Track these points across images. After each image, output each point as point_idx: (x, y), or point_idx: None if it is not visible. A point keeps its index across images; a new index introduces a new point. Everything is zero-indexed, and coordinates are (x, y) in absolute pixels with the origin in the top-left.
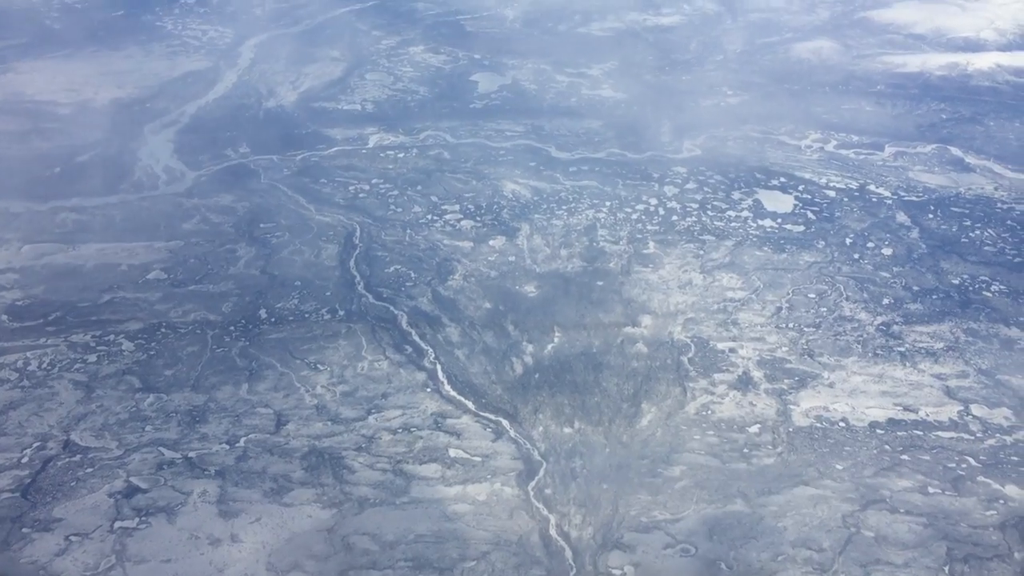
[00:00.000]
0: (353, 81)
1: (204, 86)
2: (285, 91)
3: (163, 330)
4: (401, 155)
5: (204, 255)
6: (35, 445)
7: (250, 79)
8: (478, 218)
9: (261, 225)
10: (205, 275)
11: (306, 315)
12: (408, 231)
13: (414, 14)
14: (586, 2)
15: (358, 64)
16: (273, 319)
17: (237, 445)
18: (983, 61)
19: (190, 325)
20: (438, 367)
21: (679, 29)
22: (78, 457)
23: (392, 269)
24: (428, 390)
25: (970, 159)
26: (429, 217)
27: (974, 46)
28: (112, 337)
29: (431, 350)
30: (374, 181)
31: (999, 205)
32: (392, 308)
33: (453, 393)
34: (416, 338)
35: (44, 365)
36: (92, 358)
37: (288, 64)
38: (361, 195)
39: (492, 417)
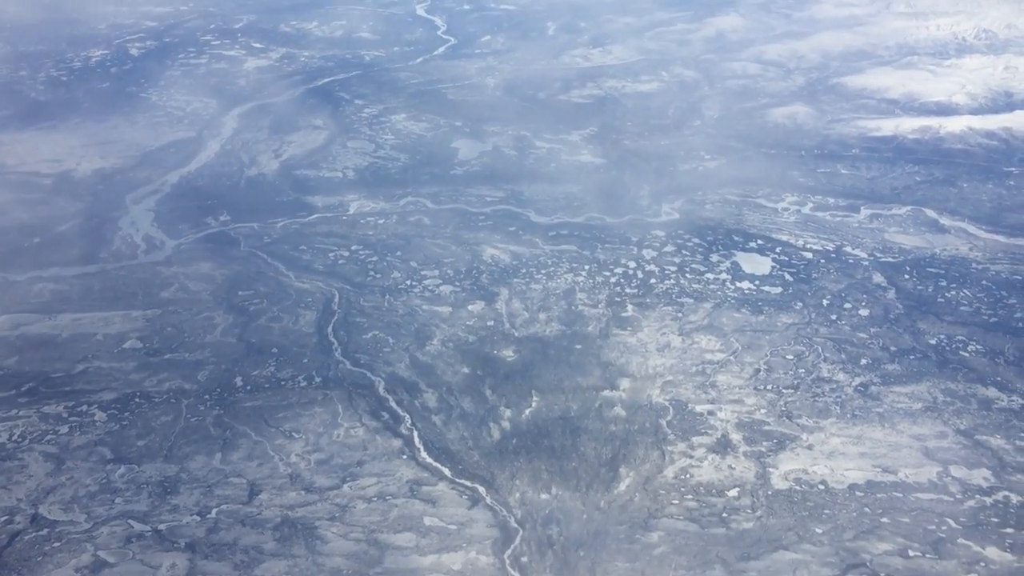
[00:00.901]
0: (335, 149)
1: (187, 155)
2: (267, 159)
3: (137, 400)
4: (381, 221)
5: (181, 323)
6: (2, 520)
7: (233, 148)
8: (457, 283)
9: (239, 293)
10: (181, 343)
11: (282, 382)
12: (387, 297)
13: (397, 83)
14: (566, 70)
15: (340, 132)
16: (249, 387)
17: (208, 516)
18: (955, 124)
19: (165, 394)
20: (415, 433)
21: (658, 95)
22: (45, 531)
23: (370, 335)
24: (404, 457)
25: (945, 220)
26: (408, 283)
27: (946, 110)
28: (85, 407)
29: (408, 416)
30: (354, 247)
31: (974, 265)
32: (369, 374)
33: (429, 460)
34: (393, 404)
35: (15, 437)
36: (64, 429)
37: (271, 133)
38: (341, 261)
39: (468, 484)
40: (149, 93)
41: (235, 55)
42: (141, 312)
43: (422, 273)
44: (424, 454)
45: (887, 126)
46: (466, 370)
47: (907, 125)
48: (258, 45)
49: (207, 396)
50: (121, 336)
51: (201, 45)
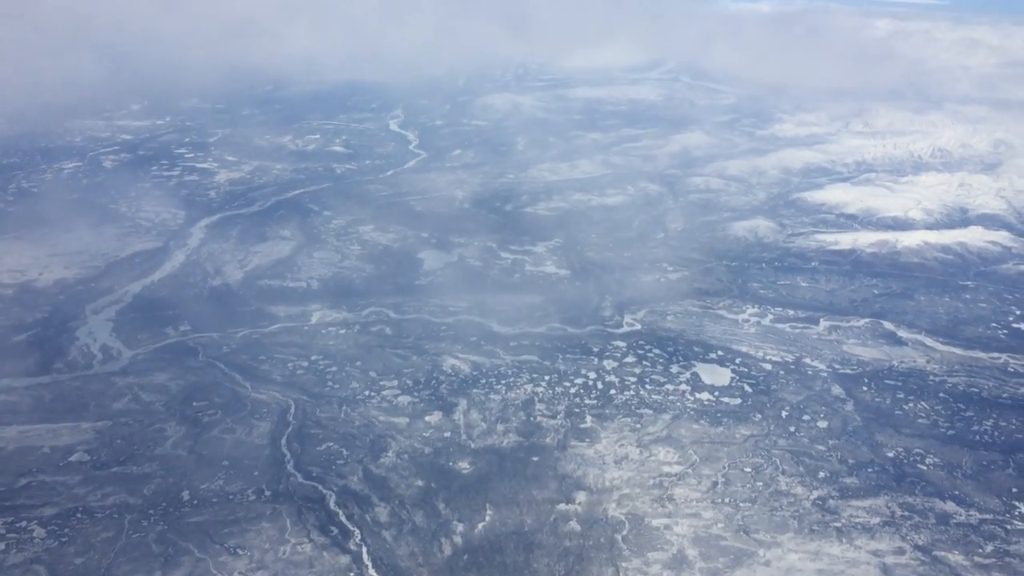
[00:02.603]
0: (301, 259)
1: (151, 266)
2: (232, 270)
3: (79, 515)
4: (343, 331)
5: (131, 435)
6: None
7: (198, 258)
8: (416, 393)
9: (194, 403)
10: (130, 456)
11: (231, 496)
12: (344, 408)
13: (366, 195)
14: (533, 183)
15: (307, 243)
16: (196, 501)
17: None
18: (912, 239)
19: (108, 509)
20: (363, 549)
21: (622, 209)
22: None
23: (324, 447)
24: (351, 575)
25: (902, 333)
26: (366, 393)
27: (903, 225)
28: (24, 523)
29: (358, 531)
30: (313, 358)
31: (931, 378)
32: (321, 487)
33: None
34: (343, 519)
35: None
36: (0, 546)
37: (237, 243)
38: (299, 372)
39: None
40: (119, 204)
41: (208, 167)
42: (91, 424)
43: (381, 383)
44: (372, 572)
45: (845, 240)
46: (420, 483)
47: (865, 239)
48: (231, 158)
49: (152, 511)
50: (68, 449)
51: (175, 158)
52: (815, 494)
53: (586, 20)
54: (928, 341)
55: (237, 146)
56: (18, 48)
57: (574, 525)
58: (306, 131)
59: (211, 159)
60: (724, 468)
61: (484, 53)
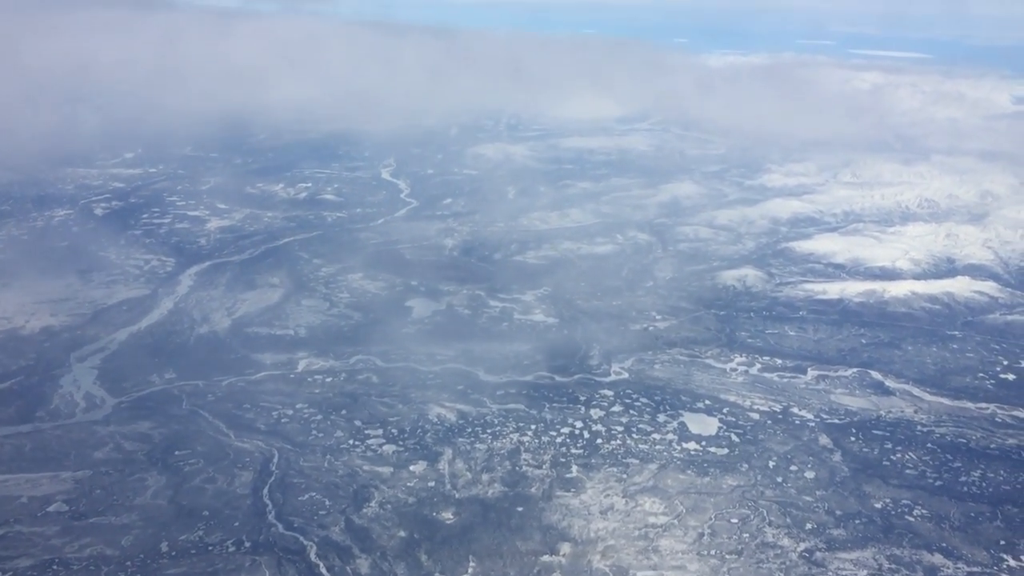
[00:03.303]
0: (289, 307)
1: (138, 313)
2: (219, 317)
3: (55, 567)
4: (329, 379)
5: (111, 485)
6: None
7: (186, 306)
8: (401, 442)
9: (176, 452)
10: (109, 506)
11: (210, 547)
12: (328, 457)
13: (356, 243)
14: (523, 232)
15: (296, 290)
16: (174, 553)
17: None
18: (899, 288)
19: (85, 561)
20: None
21: (612, 257)
22: None
23: (307, 497)
24: None
25: (890, 382)
26: (351, 442)
27: (890, 275)
28: None
29: None
30: (299, 406)
31: (919, 428)
32: (302, 538)
33: None
34: (324, 570)
35: None
36: None
37: (226, 291)
38: (284, 420)
39: None
40: (108, 252)
41: (199, 215)
42: (71, 473)
43: (366, 432)
44: None
45: (833, 290)
46: (403, 534)
47: (853, 289)
48: (222, 206)
49: (129, 563)
50: (47, 499)
51: (166, 205)
52: (802, 546)
53: (580, 72)
54: (916, 391)
55: (229, 194)
56: (15, 96)
57: None
58: (298, 179)
59: (202, 207)
60: (710, 519)
61: (477, 103)
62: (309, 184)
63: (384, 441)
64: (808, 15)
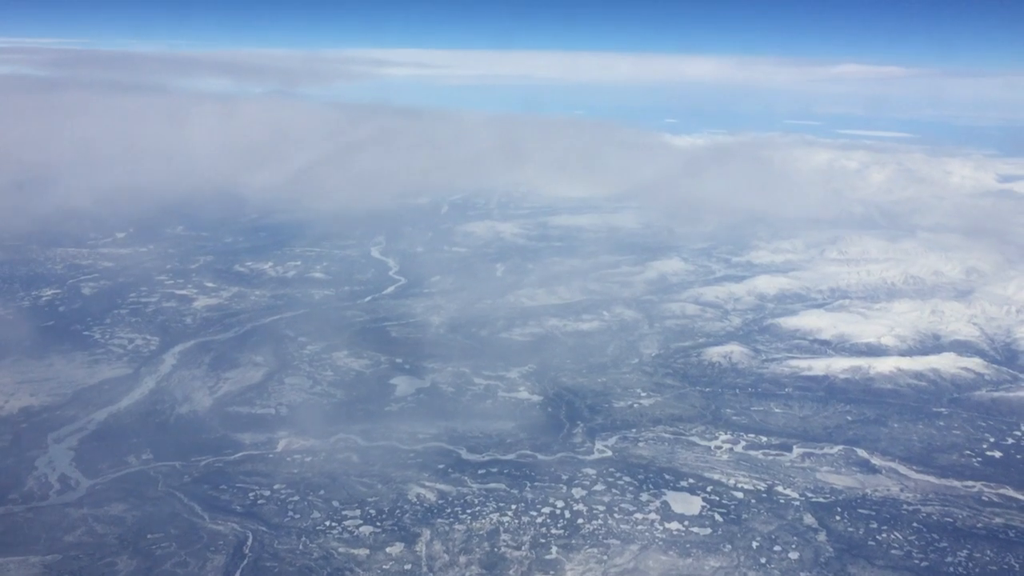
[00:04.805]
0: (272, 386)
1: (119, 393)
2: (201, 396)
3: None
4: (308, 459)
5: (80, 570)
6: None
7: (168, 385)
8: (378, 523)
9: (148, 536)
10: None
11: None
12: (303, 539)
13: (342, 321)
14: (510, 309)
15: (280, 369)
16: None
17: None
18: (885, 365)
19: None
20: None
21: (597, 334)
22: None
23: None
24: None
25: (876, 460)
26: (328, 523)
27: (876, 351)
28: None
29: None
30: (276, 486)
31: (905, 507)
32: None
33: None
34: None
35: None
36: None
37: (209, 370)
38: (260, 501)
39: None
40: (93, 331)
41: (186, 294)
42: (40, 557)
43: (343, 513)
44: None
45: (819, 366)
46: None
47: (839, 365)
48: (210, 284)
49: None
50: None
51: (154, 284)
52: None
53: (571, 152)
54: (902, 469)
55: (217, 272)
56: (9, 177)
57: None
58: (288, 258)
59: (190, 285)
60: None
61: (469, 182)
62: (298, 262)
63: (361, 522)
64: (794, 96)
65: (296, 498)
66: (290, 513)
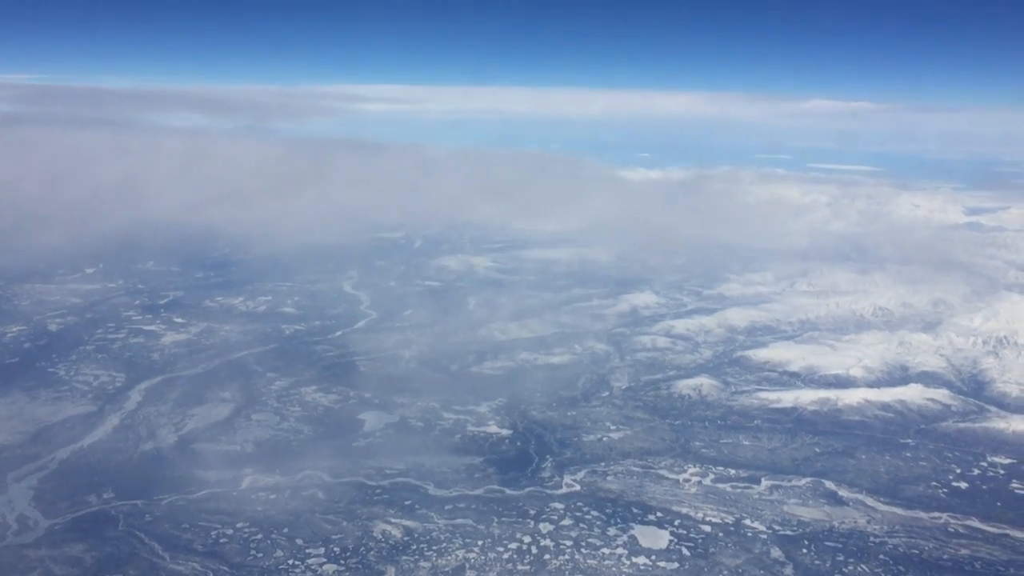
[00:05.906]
0: (238, 422)
1: (82, 430)
2: (166, 433)
3: None
4: (273, 496)
5: None
6: None
7: (132, 423)
8: (342, 562)
9: None
10: None
11: None
12: None
13: (312, 356)
14: (482, 343)
15: (247, 404)
16: None
17: None
18: (853, 397)
19: None
20: None
21: (568, 367)
22: None
23: None
24: None
25: (843, 492)
26: (290, 562)
27: (844, 382)
28: None
29: None
30: (239, 525)
31: (872, 539)
32: None
33: None
34: None
35: None
36: None
37: (175, 406)
38: (223, 540)
39: None
40: (58, 368)
41: (154, 329)
42: None
43: (307, 551)
44: None
45: (788, 398)
46: None
47: (807, 397)
48: (179, 320)
49: None
50: None
51: (122, 320)
52: None
53: (545, 186)
54: (869, 501)
55: (187, 308)
56: None
57: None
58: (258, 292)
59: (159, 321)
60: None
61: (443, 216)
62: (269, 297)
63: (325, 560)
64: (765, 131)
65: (259, 536)
66: (252, 552)
